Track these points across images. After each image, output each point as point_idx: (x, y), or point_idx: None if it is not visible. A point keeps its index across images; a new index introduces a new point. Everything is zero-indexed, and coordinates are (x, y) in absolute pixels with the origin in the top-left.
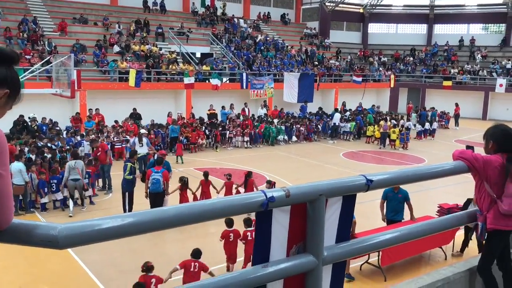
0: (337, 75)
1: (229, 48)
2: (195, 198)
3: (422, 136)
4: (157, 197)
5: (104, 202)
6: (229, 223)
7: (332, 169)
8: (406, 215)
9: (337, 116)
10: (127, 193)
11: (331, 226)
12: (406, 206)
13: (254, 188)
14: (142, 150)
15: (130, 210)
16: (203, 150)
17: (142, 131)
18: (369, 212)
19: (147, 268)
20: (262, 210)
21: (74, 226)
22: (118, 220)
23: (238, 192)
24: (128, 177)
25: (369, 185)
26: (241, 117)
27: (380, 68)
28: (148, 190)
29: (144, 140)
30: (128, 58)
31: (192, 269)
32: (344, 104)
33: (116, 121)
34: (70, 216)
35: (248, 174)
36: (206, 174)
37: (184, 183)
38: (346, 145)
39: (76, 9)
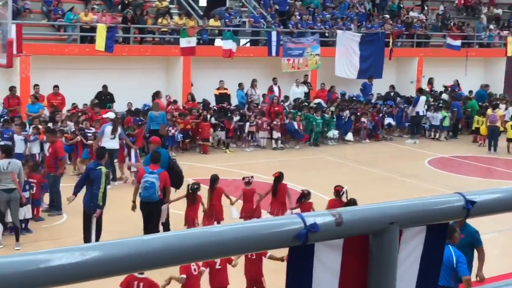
0: (421, 36)
1: None
2: (208, 217)
3: None
4: (151, 208)
5: (53, 230)
6: None
7: (412, 185)
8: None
9: (423, 101)
10: (94, 215)
11: (407, 273)
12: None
13: (287, 200)
14: (113, 144)
15: (97, 240)
16: (207, 152)
17: (111, 114)
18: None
19: None
20: (297, 244)
21: (8, 262)
22: (77, 255)
23: (258, 209)
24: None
25: (469, 208)
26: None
27: (491, 26)
28: (140, 199)
29: (119, 130)
30: (95, 7)
31: (192, 272)
32: (431, 82)
33: (74, 105)
34: None
35: (278, 178)
36: (214, 179)
37: (192, 192)
38: (435, 147)
39: None
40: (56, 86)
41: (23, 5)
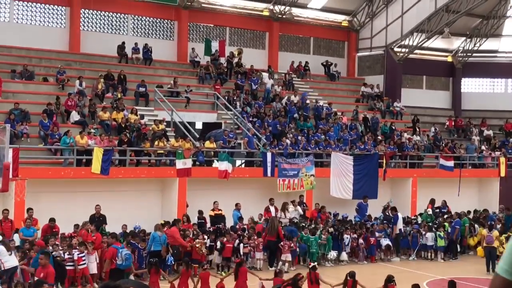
0: (414, 157)
1: (246, 116)
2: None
3: None
4: (122, 276)
5: None
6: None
7: None
8: None
9: (400, 218)
10: None
11: None
12: None
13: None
14: (14, 261)
15: None
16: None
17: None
18: None
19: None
20: None
21: None
22: None
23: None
24: None
25: None
26: (264, 222)
27: (483, 147)
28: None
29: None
30: (92, 130)
31: None
32: (432, 202)
33: (76, 226)
34: None
35: (240, 263)
36: (187, 261)
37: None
38: (434, 268)
39: (18, 58)
40: (52, 220)
41: (20, 130)
